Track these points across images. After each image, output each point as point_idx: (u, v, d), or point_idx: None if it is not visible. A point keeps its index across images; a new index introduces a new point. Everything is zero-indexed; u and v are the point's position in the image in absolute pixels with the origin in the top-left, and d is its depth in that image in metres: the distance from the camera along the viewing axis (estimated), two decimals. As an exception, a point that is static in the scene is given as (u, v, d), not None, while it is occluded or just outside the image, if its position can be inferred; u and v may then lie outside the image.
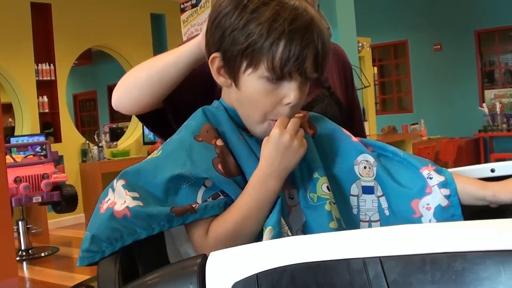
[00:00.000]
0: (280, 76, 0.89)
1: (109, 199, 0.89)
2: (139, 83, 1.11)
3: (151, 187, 0.88)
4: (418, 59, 9.48)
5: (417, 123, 8.14)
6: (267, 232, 0.86)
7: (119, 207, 0.85)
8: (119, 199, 0.87)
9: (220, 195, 0.90)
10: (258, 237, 0.90)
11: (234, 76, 0.92)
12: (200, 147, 0.92)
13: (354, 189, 0.99)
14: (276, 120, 0.91)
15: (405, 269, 0.59)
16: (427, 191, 0.96)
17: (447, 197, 0.95)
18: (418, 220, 0.95)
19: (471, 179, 0.98)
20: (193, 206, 0.87)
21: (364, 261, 0.61)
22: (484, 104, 8.60)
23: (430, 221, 0.94)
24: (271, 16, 0.86)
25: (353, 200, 0.98)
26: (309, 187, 0.94)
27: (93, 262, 0.85)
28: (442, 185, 0.95)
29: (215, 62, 0.94)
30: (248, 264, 0.68)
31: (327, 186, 0.93)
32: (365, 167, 0.99)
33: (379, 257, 0.60)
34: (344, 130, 1.05)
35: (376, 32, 8.85)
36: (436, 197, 0.95)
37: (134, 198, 0.86)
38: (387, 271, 0.60)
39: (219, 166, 0.90)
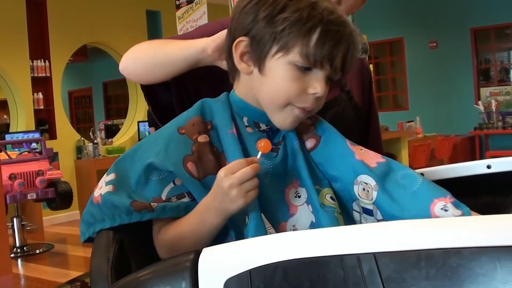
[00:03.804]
0: (312, 63, 0.88)
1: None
2: (144, 59, 1.11)
3: (130, 172, 0.91)
4: (414, 56, 9.47)
5: (412, 121, 8.14)
6: None
7: (96, 192, 0.90)
8: (100, 183, 0.91)
9: (185, 196, 0.90)
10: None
11: (259, 61, 0.91)
12: (178, 140, 0.92)
13: (356, 206, 0.94)
14: (301, 108, 0.90)
15: (400, 265, 0.59)
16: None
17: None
18: None
19: None
20: (152, 204, 0.87)
21: (358, 257, 0.60)
22: (479, 102, 8.61)
23: None
24: (310, 4, 0.88)
25: (356, 216, 0.94)
26: (315, 192, 0.92)
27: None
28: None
29: (239, 47, 0.93)
30: (241, 261, 0.67)
31: (331, 197, 0.92)
32: (363, 189, 0.92)
33: (373, 253, 0.60)
34: (349, 145, 0.98)
35: (371, 29, 8.83)
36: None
37: (108, 183, 0.90)
38: (381, 267, 0.59)
39: (189, 165, 0.89)
